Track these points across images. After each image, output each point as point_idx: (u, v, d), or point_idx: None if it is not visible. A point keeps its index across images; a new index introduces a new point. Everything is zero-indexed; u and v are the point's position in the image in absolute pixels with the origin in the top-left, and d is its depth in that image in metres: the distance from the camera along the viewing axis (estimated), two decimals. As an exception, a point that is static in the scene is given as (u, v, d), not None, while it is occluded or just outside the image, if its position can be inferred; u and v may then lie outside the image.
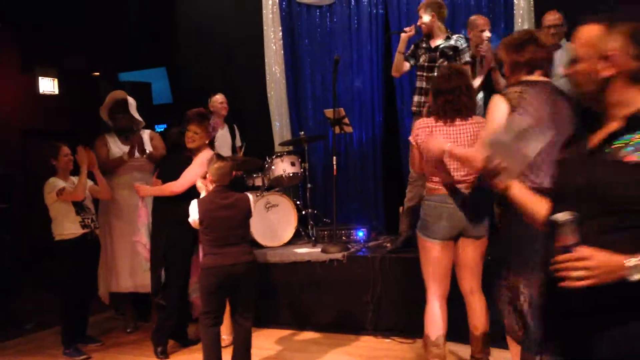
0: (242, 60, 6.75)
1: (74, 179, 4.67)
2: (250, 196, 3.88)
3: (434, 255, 3.35)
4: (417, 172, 3.52)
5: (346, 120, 5.49)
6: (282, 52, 6.45)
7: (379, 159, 6.10)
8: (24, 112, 8.90)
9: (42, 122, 9.04)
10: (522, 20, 5.28)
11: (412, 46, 4.81)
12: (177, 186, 4.30)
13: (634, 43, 1.61)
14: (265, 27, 6.46)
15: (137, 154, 4.90)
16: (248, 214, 3.79)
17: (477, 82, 4.49)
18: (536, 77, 2.89)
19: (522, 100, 2.75)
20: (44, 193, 4.58)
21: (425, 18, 4.67)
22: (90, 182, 4.71)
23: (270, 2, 6.44)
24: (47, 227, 4.77)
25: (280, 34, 6.45)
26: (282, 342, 4.66)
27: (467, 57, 4.64)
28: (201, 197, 3.83)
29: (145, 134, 5.18)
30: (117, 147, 5.06)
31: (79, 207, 4.59)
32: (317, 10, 6.38)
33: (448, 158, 3.23)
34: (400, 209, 5.01)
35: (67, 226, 4.53)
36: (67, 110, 9.25)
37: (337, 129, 5.43)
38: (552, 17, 4.63)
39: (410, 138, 3.42)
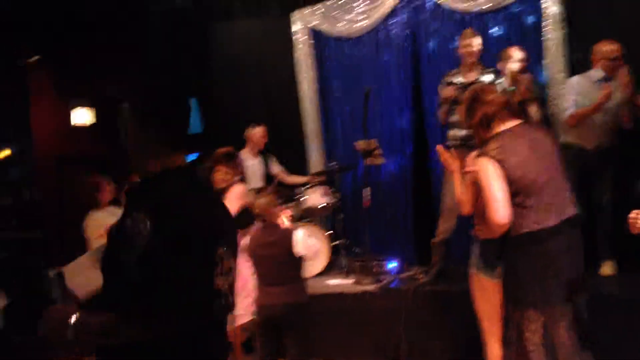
0: (274, 91, 6.84)
1: (113, 209, 4.76)
2: (299, 233, 3.72)
3: (495, 296, 3.22)
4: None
5: (377, 152, 5.52)
6: (314, 83, 6.53)
7: (409, 190, 6.11)
8: (60, 140, 9.11)
9: (78, 150, 9.25)
10: (555, 50, 5.27)
11: (444, 84, 4.87)
12: None
13: None
14: (296, 59, 6.55)
15: None
16: (291, 253, 3.64)
17: None
18: (504, 125, 2.95)
19: (504, 153, 2.82)
20: (86, 227, 4.64)
21: (476, 40, 4.71)
22: None
23: (300, 35, 6.54)
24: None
25: (311, 65, 6.53)
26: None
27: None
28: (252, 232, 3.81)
29: None
30: None
31: None
32: (347, 43, 6.46)
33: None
34: (433, 240, 5.01)
35: None
36: (101, 139, 9.44)
37: (368, 160, 5.47)
38: (609, 48, 4.53)
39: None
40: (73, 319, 1.69)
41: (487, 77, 4.76)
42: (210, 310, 1.74)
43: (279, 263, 3.65)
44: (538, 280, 2.82)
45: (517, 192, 2.83)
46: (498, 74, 4.80)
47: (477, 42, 4.77)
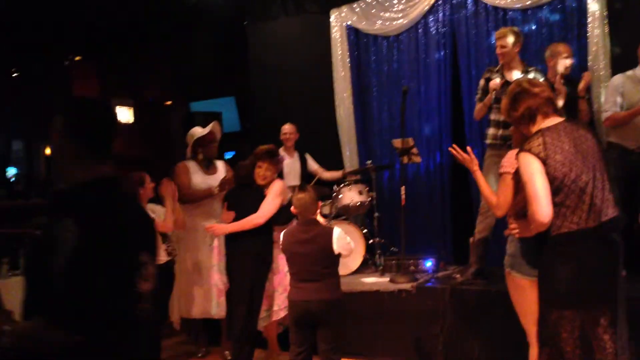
0: (311, 90, 6.87)
1: (152, 206, 4.85)
2: (337, 231, 3.71)
3: (531, 295, 3.11)
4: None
5: (414, 150, 5.49)
6: (350, 81, 6.53)
7: (447, 189, 6.06)
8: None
9: (118, 149, 9.45)
10: (597, 48, 5.16)
11: (483, 80, 4.78)
12: (259, 218, 4.31)
13: None
14: (333, 57, 6.56)
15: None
16: (328, 250, 3.63)
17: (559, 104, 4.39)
18: (548, 121, 2.89)
19: (547, 150, 2.77)
20: None
21: (510, 40, 4.63)
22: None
23: (338, 34, 6.56)
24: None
25: (349, 64, 6.54)
26: (349, 373, 4.65)
27: None
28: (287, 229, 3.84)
29: (221, 165, 5.24)
30: (199, 177, 5.07)
31: (164, 236, 4.75)
32: (385, 41, 6.44)
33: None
34: (471, 240, 4.95)
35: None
36: (141, 138, 9.64)
37: (405, 159, 5.44)
38: None
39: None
40: (6, 326, 1.79)
41: (530, 76, 4.65)
42: (134, 313, 1.83)
43: (315, 260, 3.64)
44: (574, 281, 2.76)
45: (558, 190, 2.78)
46: (540, 72, 4.70)
47: (510, 41, 4.65)
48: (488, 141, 4.80)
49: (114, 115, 2.15)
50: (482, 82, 4.81)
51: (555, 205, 2.77)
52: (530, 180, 2.80)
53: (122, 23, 7.66)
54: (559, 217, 2.78)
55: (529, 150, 2.83)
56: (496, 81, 4.65)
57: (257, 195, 4.43)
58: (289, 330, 3.88)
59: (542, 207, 2.74)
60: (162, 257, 4.69)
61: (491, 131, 4.78)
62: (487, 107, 4.76)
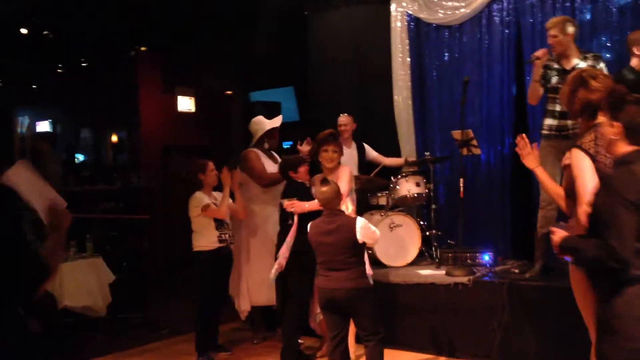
0: (371, 80, 6.83)
1: (216, 194, 4.96)
2: (361, 221, 3.79)
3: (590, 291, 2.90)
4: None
5: (474, 142, 5.40)
6: (410, 71, 6.45)
7: (507, 181, 5.91)
8: (165, 129, 9.58)
9: (180, 138, 9.68)
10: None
11: (542, 69, 4.66)
12: None
13: None
14: (393, 47, 6.49)
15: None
16: (352, 239, 3.71)
17: None
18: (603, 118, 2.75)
19: (597, 146, 2.69)
20: (189, 206, 4.87)
21: (559, 29, 4.50)
22: (229, 201, 4.95)
23: (399, 24, 6.48)
24: (183, 239, 5.09)
25: (409, 53, 6.46)
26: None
27: None
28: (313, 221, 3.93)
29: (277, 156, 5.41)
30: (268, 164, 5.25)
31: (219, 222, 4.86)
32: (446, 30, 6.32)
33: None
34: (535, 233, 4.82)
35: (207, 239, 4.81)
36: (203, 127, 9.84)
37: (464, 151, 5.35)
38: None
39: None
40: None
41: (587, 63, 4.52)
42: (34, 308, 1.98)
43: (340, 249, 3.72)
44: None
45: None
46: (599, 58, 4.58)
47: (559, 30, 4.49)
48: (544, 131, 4.69)
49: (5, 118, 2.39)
50: (541, 71, 4.67)
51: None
52: (578, 176, 2.74)
53: (186, 15, 7.80)
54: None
55: (580, 146, 2.76)
56: (546, 54, 4.58)
57: (303, 186, 4.53)
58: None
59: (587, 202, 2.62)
60: (214, 244, 4.79)
61: (547, 121, 4.67)
62: (538, 85, 4.64)
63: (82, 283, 5.42)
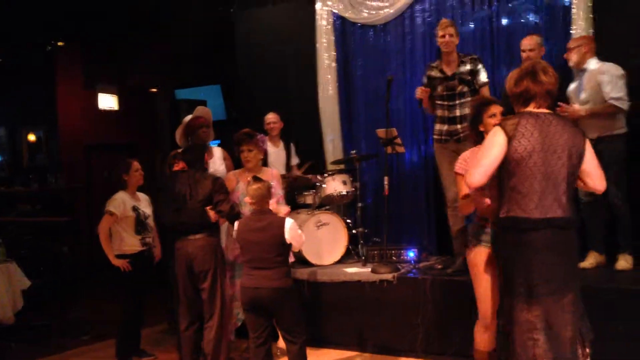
0: (296, 79, 6.83)
1: (140, 195, 4.80)
2: (290, 222, 3.78)
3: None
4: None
5: (398, 141, 5.47)
6: (336, 70, 6.49)
7: (431, 180, 6.02)
8: (86, 127, 9.24)
9: (104, 137, 9.37)
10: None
11: (425, 78, 4.98)
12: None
13: None
14: (318, 46, 6.50)
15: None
16: (280, 238, 3.71)
17: None
18: (534, 109, 2.92)
19: (517, 131, 2.83)
20: (107, 202, 4.66)
21: (454, 29, 4.75)
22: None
23: (324, 22, 6.49)
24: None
25: (334, 52, 6.48)
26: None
27: (484, 78, 4.82)
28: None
29: (218, 152, 5.09)
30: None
31: (141, 226, 4.69)
32: (371, 30, 6.39)
33: None
34: (451, 231, 4.94)
35: (127, 242, 4.65)
36: (126, 125, 9.55)
37: (389, 149, 5.42)
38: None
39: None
40: None
41: (467, 67, 4.81)
42: None
43: (267, 248, 3.72)
44: (522, 272, 2.82)
45: (513, 174, 2.84)
46: (476, 61, 4.84)
47: (454, 31, 4.75)
48: (435, 136, 4.99)
49: None
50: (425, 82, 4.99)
51: (509, 188, 2.86)
52: (485, 148, 2.90)
53: (107, 7, 7.55)
54: (508, 201, 2.87)
55: (502, 125, 2.88)
56: (421, 90, 4.90)
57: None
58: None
59: (478, 173, 2.85)
60: (135, 247, 4.66)
61: (437, 127, 4.98)
62: (428, 104, 4.99)
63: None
